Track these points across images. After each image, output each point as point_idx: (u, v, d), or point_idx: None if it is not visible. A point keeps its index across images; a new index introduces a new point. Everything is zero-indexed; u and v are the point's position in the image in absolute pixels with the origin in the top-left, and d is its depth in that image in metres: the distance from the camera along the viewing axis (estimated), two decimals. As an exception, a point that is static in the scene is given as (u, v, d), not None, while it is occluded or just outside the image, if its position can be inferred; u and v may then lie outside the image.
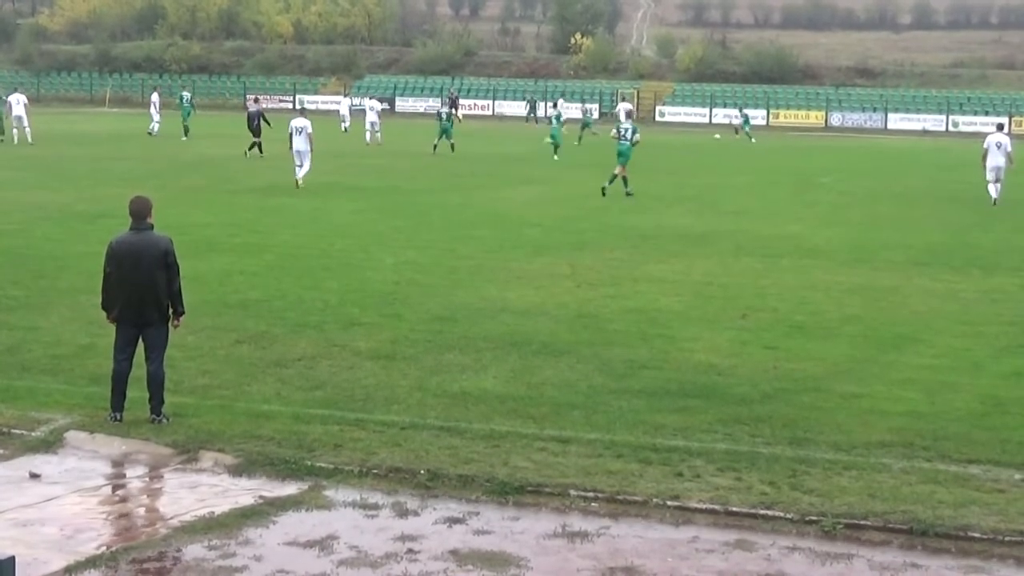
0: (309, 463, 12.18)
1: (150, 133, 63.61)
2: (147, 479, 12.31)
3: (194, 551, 10.11)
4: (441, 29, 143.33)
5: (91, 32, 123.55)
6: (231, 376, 15.36)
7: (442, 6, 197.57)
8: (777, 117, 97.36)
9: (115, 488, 12.07)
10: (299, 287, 21.28)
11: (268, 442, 12.75)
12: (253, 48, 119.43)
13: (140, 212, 13.54)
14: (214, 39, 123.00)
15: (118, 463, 12.61)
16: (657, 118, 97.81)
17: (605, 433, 13.25)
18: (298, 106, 64.99)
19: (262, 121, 52.72)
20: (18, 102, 56.05)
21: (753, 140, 74.16)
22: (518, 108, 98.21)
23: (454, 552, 10.16)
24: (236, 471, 12.15)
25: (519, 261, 24.66)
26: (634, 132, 39.70)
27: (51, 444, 12.89)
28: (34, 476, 11.98)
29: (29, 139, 54.88)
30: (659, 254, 26.01)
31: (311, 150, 38.83)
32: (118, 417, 13.40)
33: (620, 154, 39.11)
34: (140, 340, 13.54)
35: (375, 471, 12.02)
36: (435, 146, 56.50)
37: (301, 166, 38.53)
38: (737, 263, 25.14)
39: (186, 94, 66.93)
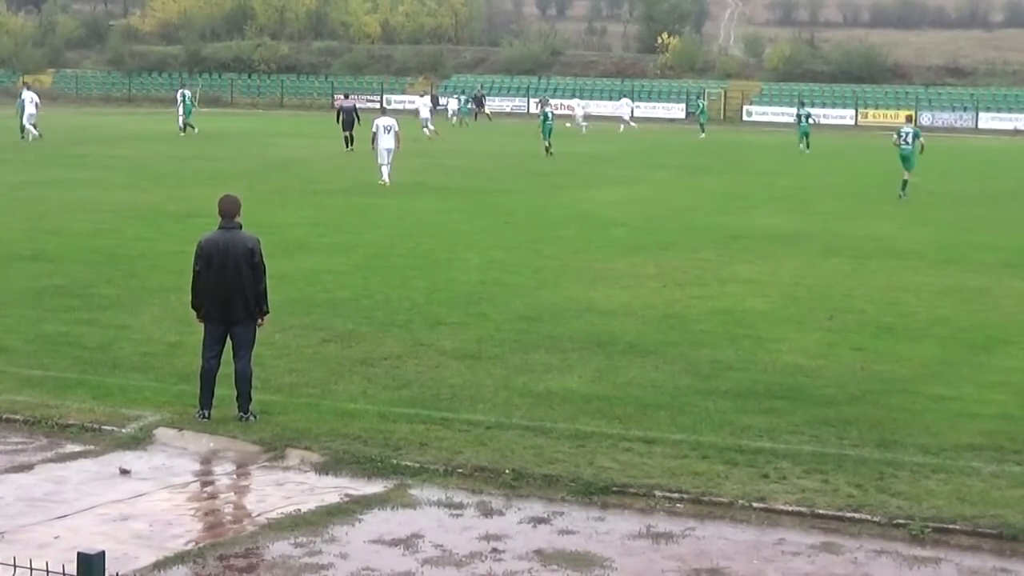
0: (395, 462, 12.23)
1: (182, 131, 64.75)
2: (234, 476, 12.43)
3: (280, 548, 10.19)
4: (528, 29, 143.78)
5: (181, 33, 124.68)
6: (318, 374, 15.47)
7: (529, 6, 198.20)
8: (866, 117, 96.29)
9: (203, 485, 12.20)
10: (386, 286, 21.38)
11: (354, 440, 12.83)
12: (341, 48, 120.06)
13: (229, 211, 13.67)
14: (302, 39, 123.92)
15: (206, 460, 12.75)
16: (744, 118, 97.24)
17: (691, 434, 13.20)
18: (385, 105, 65.26)
19: (356, 115, 54.31)
20: (31, 101, 57.23)
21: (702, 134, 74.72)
22: (605, 108, 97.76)
23: (539, 552, 10.17)
24: (322, 469, 12.23)
25: (605, 261, 24.61)
26: (916, 137, 39.10)
27: (140, 440, 13.05)
28: (124, 472, 12.13)
29: (38, 134, 55.91)
30: (746, 255, 25.85)
31: (398, 149, 39.11)
32: (206, 414, 13.54)
33: (904, 159, 38.80)
34: (228, 338, 13.68)
35: (460, 470, 12.05)
36: (547, 148, 53.68)
37: (387, 164, 38.70)
38: (825, 264, 24.94)
39: (187, 91, 67.76)
